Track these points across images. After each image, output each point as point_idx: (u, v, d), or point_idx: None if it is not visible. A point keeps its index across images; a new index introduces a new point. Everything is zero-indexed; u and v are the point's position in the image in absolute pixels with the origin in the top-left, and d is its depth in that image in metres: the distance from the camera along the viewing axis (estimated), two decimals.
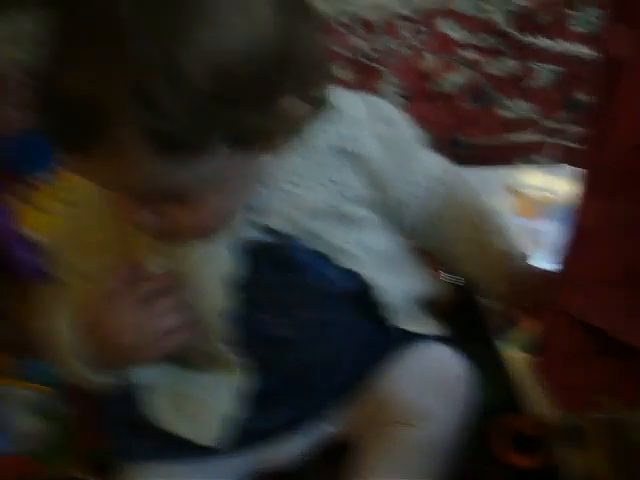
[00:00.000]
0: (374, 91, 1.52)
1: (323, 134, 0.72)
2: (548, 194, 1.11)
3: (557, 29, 1.60)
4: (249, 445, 0.79)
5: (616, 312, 0.87)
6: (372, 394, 0.82)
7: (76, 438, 0.94)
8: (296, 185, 0.71)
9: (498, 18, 1.71)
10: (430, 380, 0.81)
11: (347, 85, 1.48)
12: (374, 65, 1.61)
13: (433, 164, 0.86)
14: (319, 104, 0.66)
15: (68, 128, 0.55)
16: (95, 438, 0.91)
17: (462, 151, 1.33)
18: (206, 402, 0.76)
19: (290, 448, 0.83)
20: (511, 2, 1.75)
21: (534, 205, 1.10)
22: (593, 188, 0.86)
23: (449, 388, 0.81)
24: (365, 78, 1.58)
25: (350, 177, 0.73)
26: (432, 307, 0.93)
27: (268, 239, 0.71)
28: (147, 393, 0.78)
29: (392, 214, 0.80)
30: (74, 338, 0.71)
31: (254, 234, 0.71)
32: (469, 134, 1.37)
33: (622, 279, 0.85)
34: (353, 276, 0.75)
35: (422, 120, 1.39)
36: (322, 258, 0.73)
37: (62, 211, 0.80)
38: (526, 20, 1.68)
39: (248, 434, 0.78)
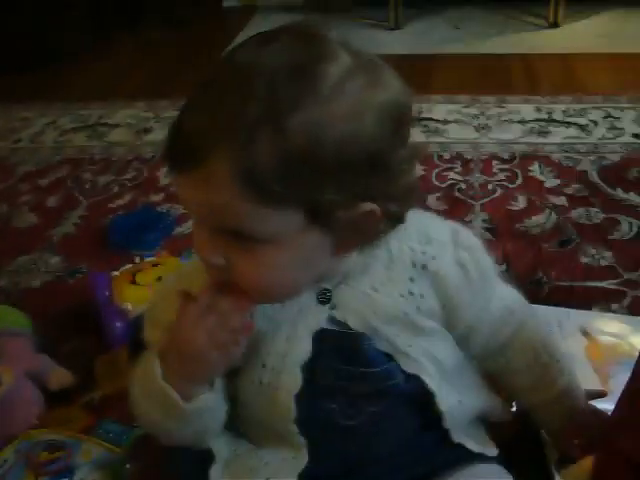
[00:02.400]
0: (464, 223, 1.59)
1: (410, 251, 0.78)
2: (622, 343, 1.14)
3: None
4: None
5: None
6: None
7: None
8: (376, 291, 0.76)
9: (589, 169, 1.78)
10: None
11: (440, 214, 1.59)
12: (467, 200, 1.69)
13: (507, 295, 0.88)
14: (398, 221, 0.72)
15: (179, 152, 0.65)
16: None
17: (542, 290, 1.37)
18: None
19: None
20: (604, 156, 1.83)
21: (605, 351, 1.13)
22: None
23: None
24: (457, 210, 1.65)
25: (427, 293, 0.78)
26: (493, 428, 0.97)
27: (343, 333, 0.76)
28: (215, 459, 0.82)
29: (459, 336, 0.84)
30: (158, 359, 0.74)
31: (331, 326, 0.76)
32: (550, 275, 1.41)
33: None
34: (416, 380, 0.78)
35: (506, 256, 1.46)
36: (389, 359, 0.77)
37: (157, 285, 0.87)
38: (616, 174, 1.75)
39: None
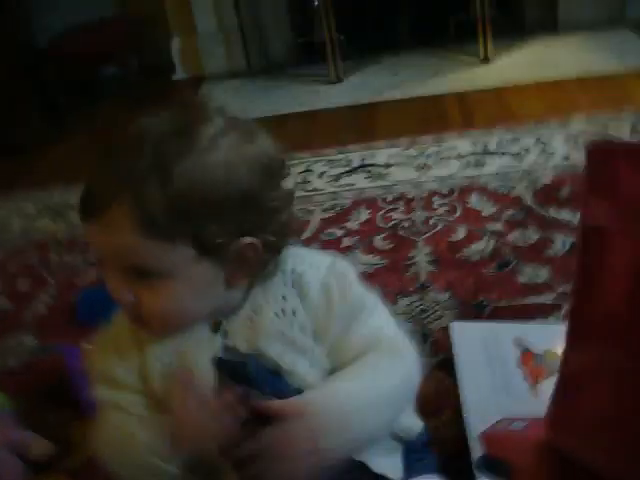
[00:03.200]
0: (407, 259, 1.70)
1: (282, 274, 0.88)
2: (553, 350, 1.23)
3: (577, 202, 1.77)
4: None
5: (610, 455, 0.96)
6: None
7: None
8: (256, 313, 0.86)
9: (523, 194, 1.89)
10: None
11: (383, 253, 1.69)
12: (410, 236, 1.79)
13: (379, 326, 0.91)
14: (277, 251, 0.85)
15: (87, 205, 0.78)
16: None
17: (484, 312, 1.47)
18: None
19: None
20: (537, 180, 1.94)
21: (537, 359, 1.22)
22: (577, 338, 0.98)
23: None
24: (402, 247, 1.76)
25: (298, 309, 0.87)
26: (440, 443, 1.06)
27: (232, 357, 0.86)
28: None
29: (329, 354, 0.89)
30: (151, 435, 0.82)
31: (226, 354, 0.86)
32: (491, 297, 1.51)
33: (614, 424, 0.93)
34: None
35: (449, 285, 1.56)
36: (277, 376, 0.86)
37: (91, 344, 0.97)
38: (548, 195, 1.87)
39: None
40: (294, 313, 0.87)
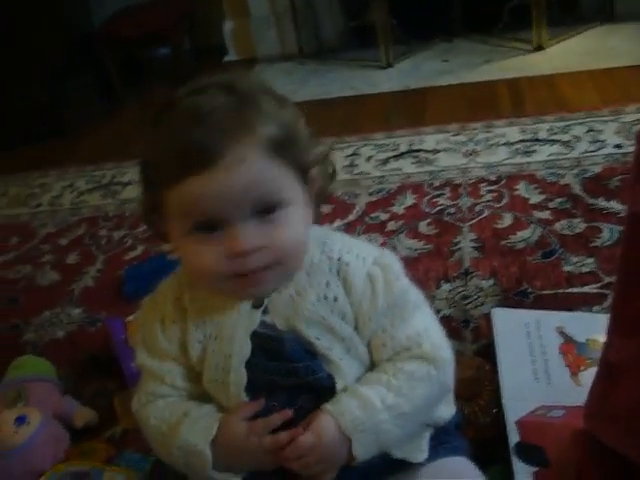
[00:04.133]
0: (451, 245, 1.70)
1: (327, 259, 0.89)
2: (595, 340, 1.21)
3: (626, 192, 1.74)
4: None
5: None
6: None
7: None
8: (299, 295, 0.87)
9: (572, 182, 1.87)
10: None
11: (428, 238, 1.69)
12: (456, 222, 1.79)
13: (423, 329, 0.90)
14: (325, 191, 0.90)
15: (199, 156, 0.78)
16: None
17: (527, 300, 1.46)
18: None
19: None
20: (586, 169, 1.92)
21: (579, 348, 1.21)
22: (620, 328, 0.97)
23: None
24: (447, 233, 1.75)
25: (340, 297, 0.87)
26: (477, 429, 1.06)
27: (269, 332, 0.87)
28: None
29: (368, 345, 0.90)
30: (208, 452, 0.85)
31: (263, 329, 0.87)
32: (535, 285, 1.50)
33: None
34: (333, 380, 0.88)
35: (493, 272, 1.55)
36: (312, 356, 0.87)
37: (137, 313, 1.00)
38: (598, 185, 1.84)
39: None
40: (335, 299, 0.87)
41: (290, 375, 0.87)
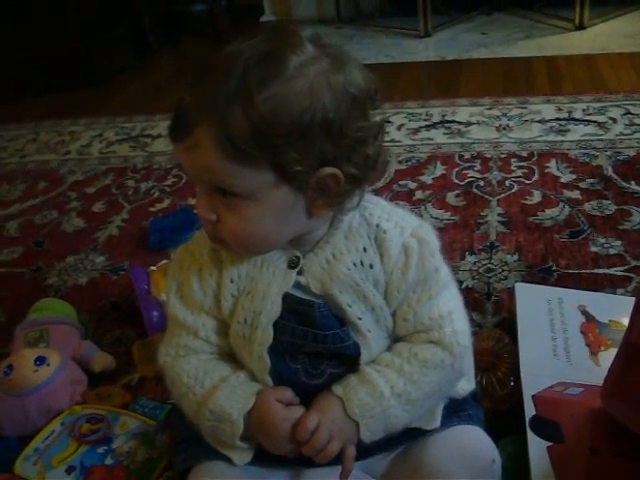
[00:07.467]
0: (478, 217, 1.68)
1: (366, 225, 0.87)
2: (617, 321, 1.21)
3: None
4: None
5: None
6: (408, 461, 0.92)
7: (164, 460, 1.10)
8: (335, 258, 0.86)
9: (605, 164, 1.85)
10: (464, 461, 0.89)
11: (455, 209, 1.68)
12: (485, 195, 1.77)
13: (446, 310, 0.89)
14: (359, 184, 0.83)
15: (176, 125, 0.79)
16: None
17: (551, 277, 1.45)
18: None
19: None
20: (620, 152, 1.89)
21: (600, 328, 1.20)
22: None
23: (482, 470, 0.90)
24: (475, 205, 1.74)
25: (376, 264, 0.86)
26: (493, 400, 1.06)
27: (302, 295, 0.87)
28: None
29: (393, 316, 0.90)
30: (241, 423, 0.86)
31: (296, 290, 0.87)
32: (560, 264, 1.49)
33: None
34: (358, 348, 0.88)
35: (518, 247, 1.54)
36: (341, 324, 0.87)
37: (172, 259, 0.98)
38: (631, 168, 1.82)
39: None
40: (371, 266, 0.86)
41: (317, 341, 0.87)
